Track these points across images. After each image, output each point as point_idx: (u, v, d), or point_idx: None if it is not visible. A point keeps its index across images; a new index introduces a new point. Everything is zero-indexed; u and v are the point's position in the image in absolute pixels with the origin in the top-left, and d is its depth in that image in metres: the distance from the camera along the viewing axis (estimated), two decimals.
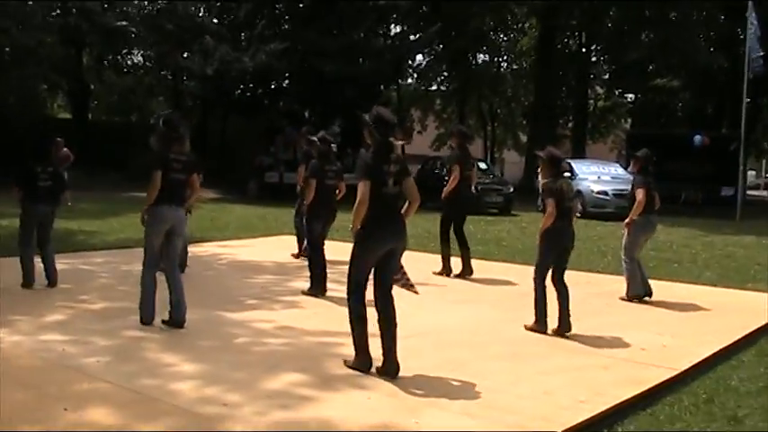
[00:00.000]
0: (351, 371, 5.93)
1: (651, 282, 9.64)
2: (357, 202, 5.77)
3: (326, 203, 9.43)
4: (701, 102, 38.00)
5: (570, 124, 40.97)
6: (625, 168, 24.05)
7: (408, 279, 6.51)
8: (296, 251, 12.08)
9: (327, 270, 9.24)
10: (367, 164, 5.84)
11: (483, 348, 6.77)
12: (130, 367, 5.89)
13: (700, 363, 6.57)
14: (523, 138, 45.84)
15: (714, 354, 6.90)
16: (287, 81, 31.40)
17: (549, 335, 7.41)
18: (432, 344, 6.66)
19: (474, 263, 11.15)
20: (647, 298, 9.35)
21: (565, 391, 5.57)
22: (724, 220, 21.91)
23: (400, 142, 6.40)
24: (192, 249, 12.39)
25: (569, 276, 7.82)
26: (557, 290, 7.60)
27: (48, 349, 6.31)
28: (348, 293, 6.01)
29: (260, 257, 12.09)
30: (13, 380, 5.47)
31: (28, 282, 9.07)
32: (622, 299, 9.34)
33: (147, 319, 7.32)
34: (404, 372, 5.88)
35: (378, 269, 5.97)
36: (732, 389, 6.01)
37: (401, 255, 6.11)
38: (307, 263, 9.55)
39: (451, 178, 10.77)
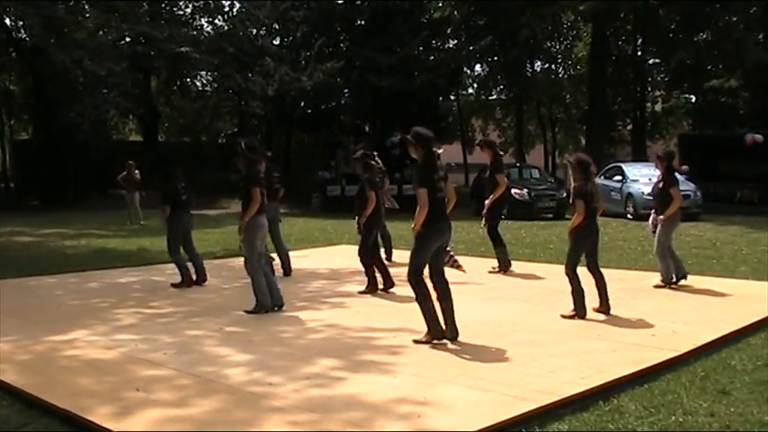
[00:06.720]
0: (380, 357, 6.76)
1: None
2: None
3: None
4: (762, 101, 37.58)
5: (629, 127, 40.99)
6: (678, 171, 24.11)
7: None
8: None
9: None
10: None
11: (505, 337, 7.46)
12: (191, 357, 6.84)
13: (703, 345, 7.03)
14: (584, 142, 45.93)
15: (720, 338, 7.33)
16: (346, 97, 32.30)
17: (578, 320, 8.24)
18: (461, 333, 7.37)
19: (517, 264, 12.02)
20: (682, 281, 10.18)
21: (569, 370, 6.23)
22: None
23: (440, 151, 7.32)
24: None
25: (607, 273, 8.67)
26: (595, 277, 8.56)
27: (122, 345, 7.30)
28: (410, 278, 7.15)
29: (316, 265, 12.92)
30: (96, 369, 6.48)
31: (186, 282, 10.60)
32: (656, 286, 10.12)
33: (267, 307, 8.73)
34: (432, 356, 6.77)
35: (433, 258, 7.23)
36: (730, 368, 6.46)
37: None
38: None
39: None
